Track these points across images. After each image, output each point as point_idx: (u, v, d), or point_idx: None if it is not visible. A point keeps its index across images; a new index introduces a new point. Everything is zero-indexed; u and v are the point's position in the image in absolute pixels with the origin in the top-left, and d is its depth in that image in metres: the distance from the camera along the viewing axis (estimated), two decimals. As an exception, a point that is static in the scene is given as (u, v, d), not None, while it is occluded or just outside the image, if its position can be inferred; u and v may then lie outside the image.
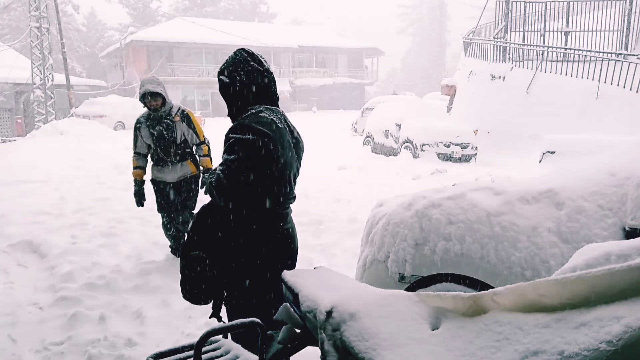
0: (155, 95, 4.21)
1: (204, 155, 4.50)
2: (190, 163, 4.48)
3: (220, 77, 2.17)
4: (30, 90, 22.37)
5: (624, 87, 10.73)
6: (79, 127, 18.11)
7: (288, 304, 1.49)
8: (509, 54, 14.15)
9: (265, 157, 2.02)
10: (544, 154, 9.31)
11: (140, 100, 4.26)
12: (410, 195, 2.78)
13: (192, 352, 1.47)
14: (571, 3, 14.09)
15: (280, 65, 37.96)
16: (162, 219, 4.58)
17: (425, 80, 52.73)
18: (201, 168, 4.53)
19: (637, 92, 10.51)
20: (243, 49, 2.19)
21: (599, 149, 5.20)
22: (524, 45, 13.96)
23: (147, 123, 4.34)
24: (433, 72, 52.53)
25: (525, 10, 14.49)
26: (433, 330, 1.10)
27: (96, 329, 3.18)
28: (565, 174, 2.60)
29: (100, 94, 28.12)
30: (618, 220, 2.17)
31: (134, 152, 4.46)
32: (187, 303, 3.44)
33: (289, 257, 2.28)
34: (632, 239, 1.16)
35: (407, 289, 2.48)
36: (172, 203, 4.46)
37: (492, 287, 1.17)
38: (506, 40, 14.34)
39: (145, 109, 4.36)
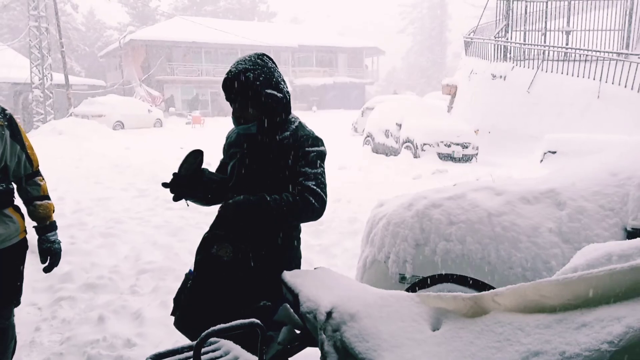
0: None
1: (42, 198, 2.35)
2: (15, 213, 2.23)
3: (268, 90, 1.87)
4: (29, 89, 22.38)
5: (625, 87, 10.74)
6: (78, 126, 18.15)
7: (288, 305, 1.49)
8: (510, 54, 14.16)
9: None
10: (545, 153, 9.30)
11: None
12: (410, 195, 2.78)
13: (191, 352, 1.46)
14: (572, 2, 14.10)
15: (280, 65, 37.83)
16: None
17: (425, 80, 52.74)
18: (34, 223, 2.33)
19: (638, 91, 10.51)
20: (264, 55, 1.96)
21: (600, 148, 5.18)
22: (525, 44, 13.97)
23: None
24: (434, 72, 52.55)
25: (526, 9, 14.50)
26: (434, 331, 1.09)
27: (95, 329, 3.17)
28: (566, 174, 2.60)
29: (99, 94, 28.16)
30: (619, 221, 2.16)
31: None
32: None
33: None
34: (633, 239, 1.15)
35: (408, 290, 2.48)
36: None
37: (493, 288, 1.16)
38: (507, 39, 14.34)
39: None
